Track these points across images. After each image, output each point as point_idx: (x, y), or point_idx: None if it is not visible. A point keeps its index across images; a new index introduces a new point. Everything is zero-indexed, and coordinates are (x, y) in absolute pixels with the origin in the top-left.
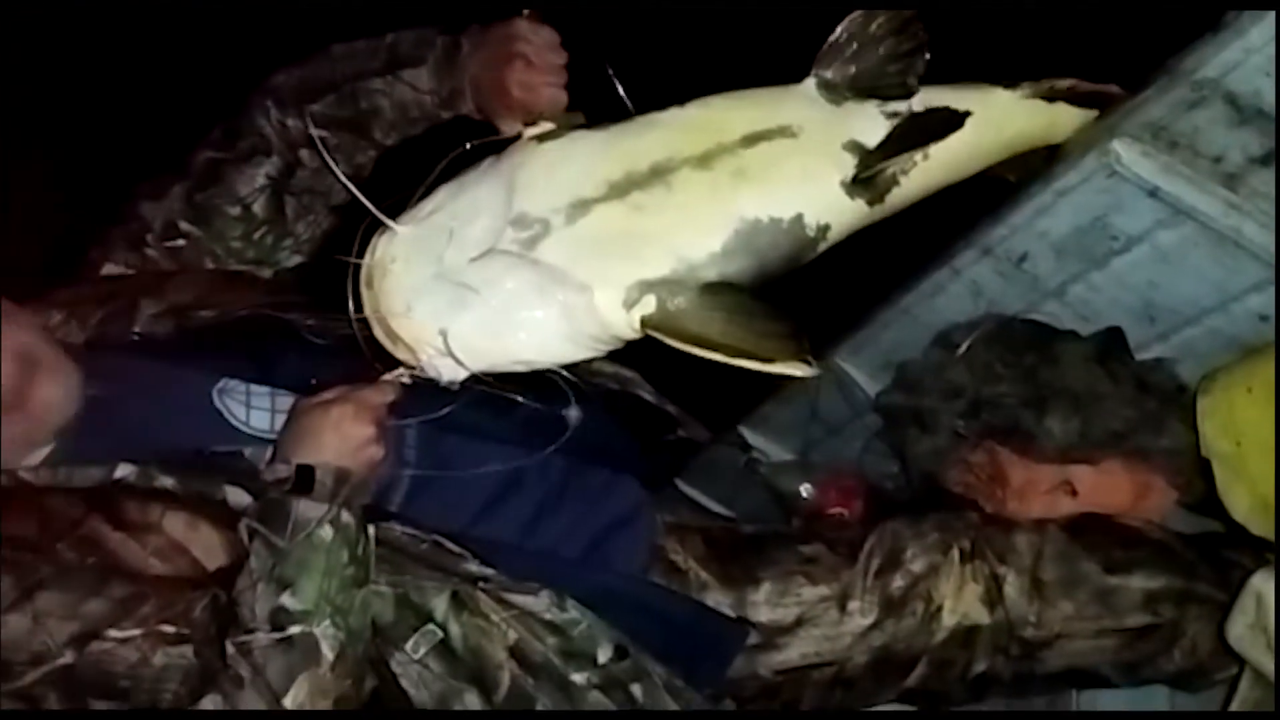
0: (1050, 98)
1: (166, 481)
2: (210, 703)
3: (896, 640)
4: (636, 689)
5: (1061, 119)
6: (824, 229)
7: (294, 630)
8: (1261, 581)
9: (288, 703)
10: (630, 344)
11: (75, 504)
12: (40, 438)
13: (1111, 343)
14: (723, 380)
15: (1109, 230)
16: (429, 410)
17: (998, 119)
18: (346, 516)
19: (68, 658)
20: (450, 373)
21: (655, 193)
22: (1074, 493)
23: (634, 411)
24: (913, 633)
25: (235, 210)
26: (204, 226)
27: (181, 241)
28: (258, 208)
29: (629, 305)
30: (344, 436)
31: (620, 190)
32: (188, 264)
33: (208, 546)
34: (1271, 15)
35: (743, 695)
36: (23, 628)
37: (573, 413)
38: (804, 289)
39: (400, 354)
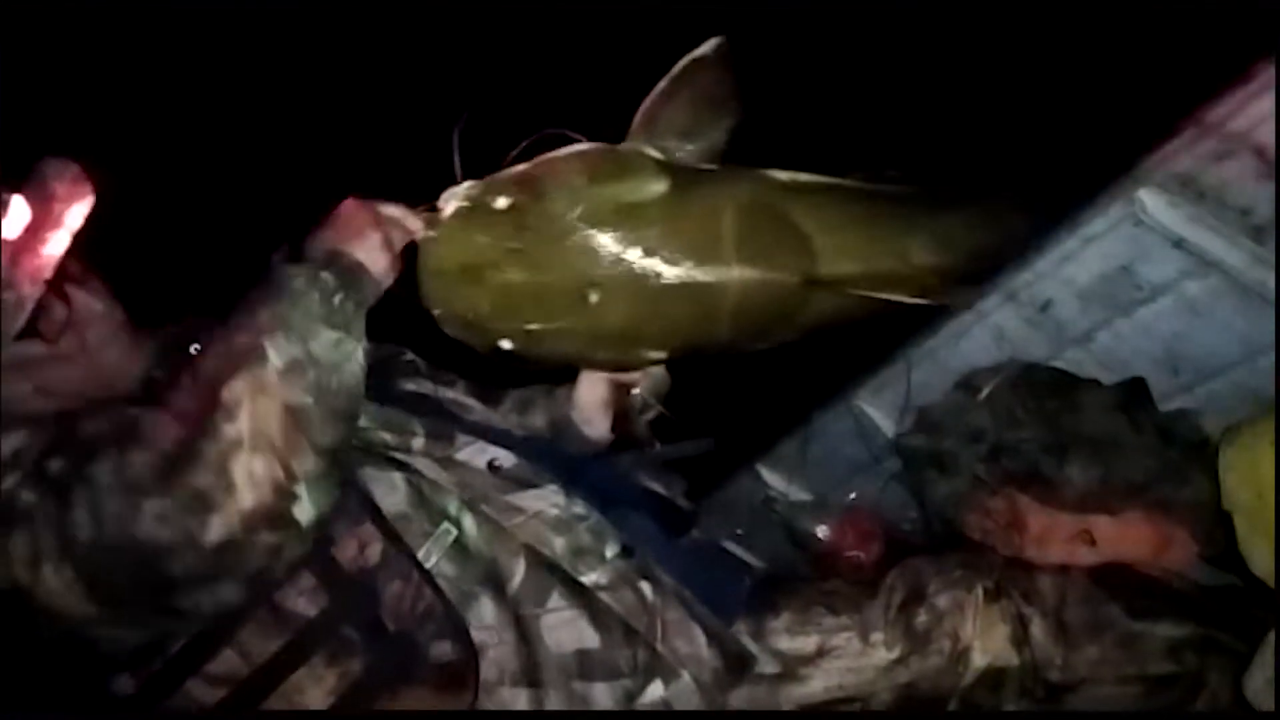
0: None
1: None
2: (145, 415)
3: (923, 679)
4: (646, 587)
5: None
6: None
7: (240, 339)
8: None
9: (225, 392)
10: None
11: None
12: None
13: (1134, 392)
14: (741, 419)
15: (1134, 279)
16: None
17: None
18: (326, 274)
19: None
20: None
21: None
22: (1093, 542)
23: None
24: (940, 672)
25: None
26: None
27: None
28: None
29: None
30: (347, 224)
31: None
32: None
33: None
34: None
35: None
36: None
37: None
38: (826, 331)
39: None
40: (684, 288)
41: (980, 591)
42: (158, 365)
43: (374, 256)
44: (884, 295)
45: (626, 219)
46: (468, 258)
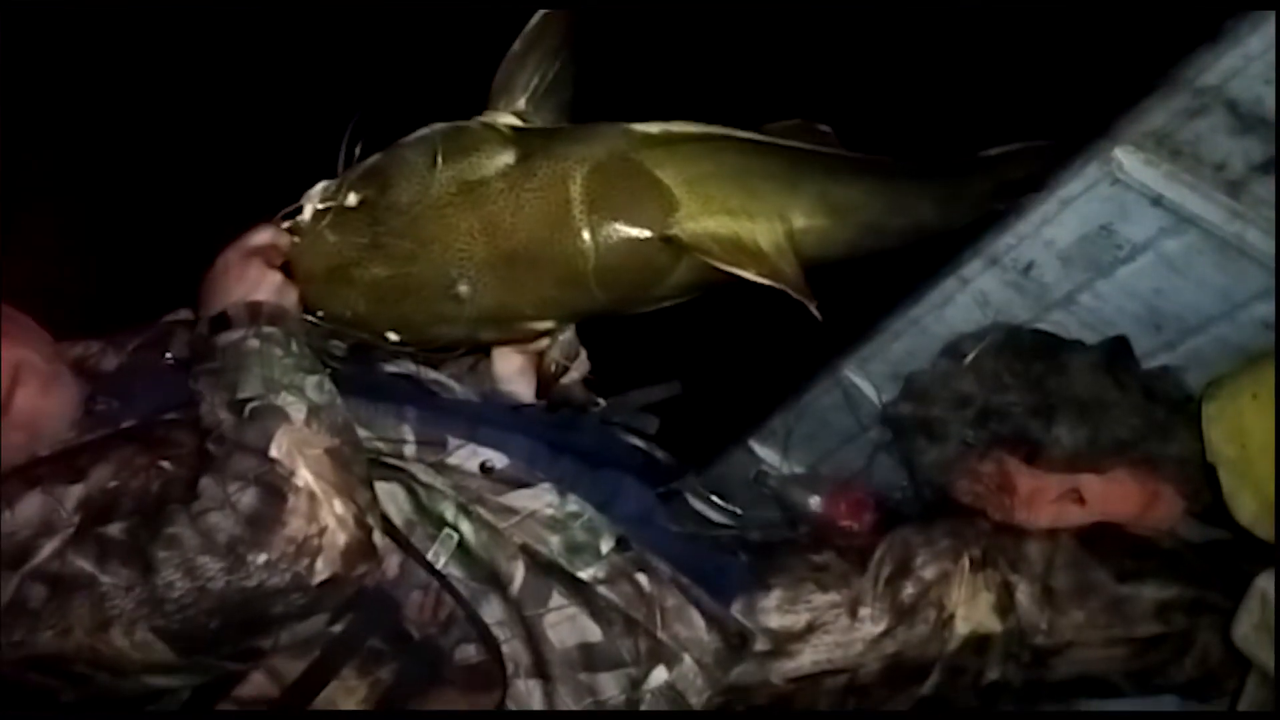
0: None
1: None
2: (207, 482)
3: (909, 648)
4: (642, 578)
5: None
6: None
7: (253, 404)
8: (1266, 582)
9: (274, 452)
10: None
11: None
12: (31, 441)
13: (1118, 351)
14: (731, 394)
15: (1114, 239)
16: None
17: None
18: (269, 329)
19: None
20: None
21: None
22: (1082, 501)
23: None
24: (925, 640)
25: None
26: None
27: None
28: None
29: None
30: (240, 277)
31: None
32: None
33: None
34: (1271, 22)
35: (755, 702)
36: (35, 504)
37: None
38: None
39: None
40: (542, 258)
41: (967, 561)
42: (135, 372)
43: (278, 291)
44: (737, 271)
45: (472, 196)
46: (331, 260)
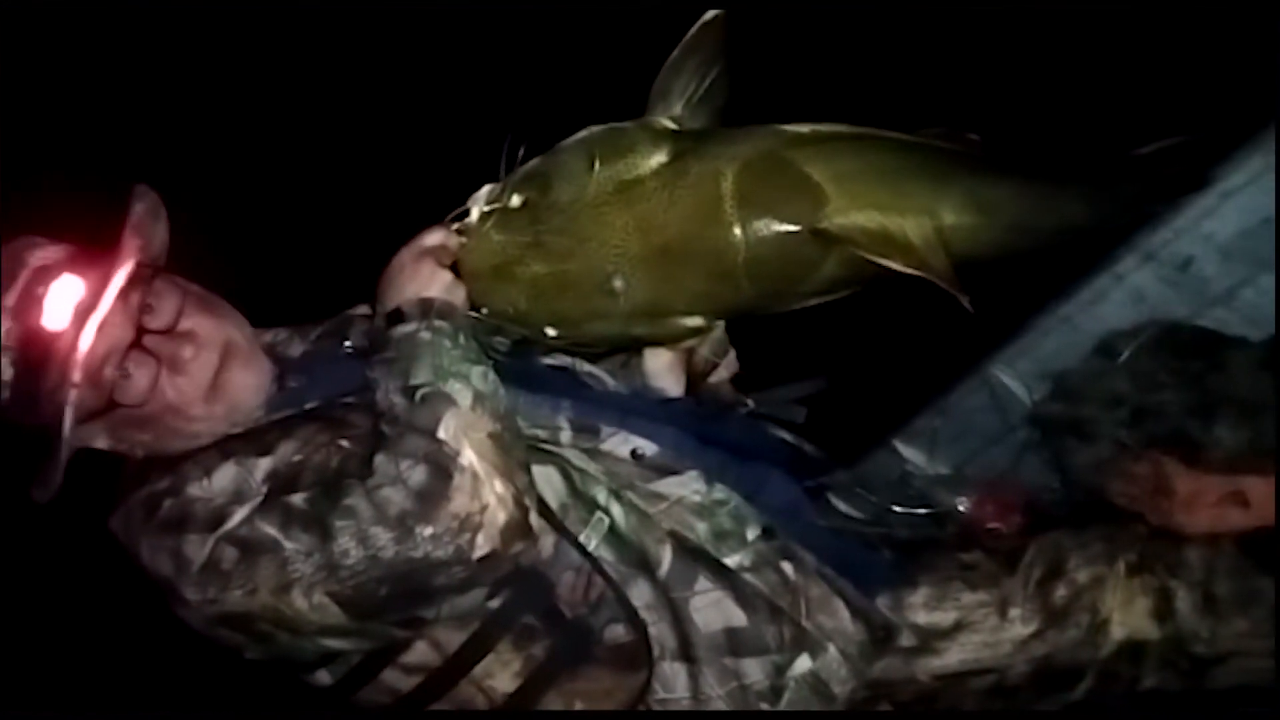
0: None
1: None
2: (381, 459)
3: (1060, 651)
4: (788, 567)
5: None
6: None
7: (423, 390)
8: None
9: (442, 434)
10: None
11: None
12: (230, 414)
13: None
14: (875, 394)
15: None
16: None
17: None
18: (439, 322)
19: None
20: None
21: None
22: (1245, 504)
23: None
24: (1077, 644)
25: None
26: None
27: None
28: None
29: None
30: (413, 275)
31: None
32: None
33: None
34: None
35: (899, 698)
36: (229, 474)
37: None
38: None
39: None
40: (694, 253)
41: (1122, 565)
42: (315, 360)
43: (448, 289)
44: (886, 263)
45: (628, 195)
46: (496, 259)
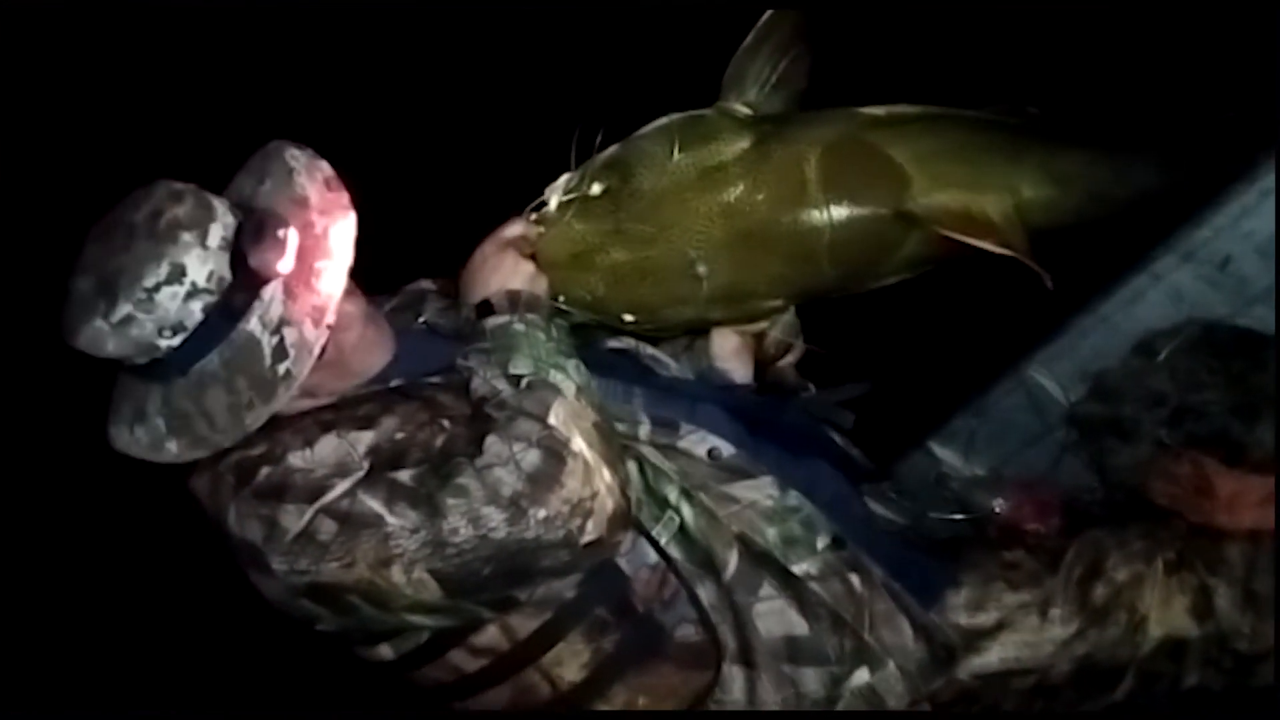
0: None
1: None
2: (492, 440)
3: (1100, 650)
4: (855, 579)
5: None
6: None
7: (528, 378)
8: None
9: (552, 420)
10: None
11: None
12: (342, 382)
13: None
14: (910, 395)
15: None
16: None
17: None
18: (530, 315)
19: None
20: None
21: None
22: None
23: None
24: (1116, 643)
25: None
26: None
27: None
28: None
29: None
30: (497, 267)
31: None
32: None
33: None
34: None
35: (940, 698)
36: (330, 446)
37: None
38: (997, 297)
39: None
40: (778, 236)
41: (1160, 564)
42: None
43: (531, 281)
44: (971, 241)
45: (711, 180)
46: (575, 247)
